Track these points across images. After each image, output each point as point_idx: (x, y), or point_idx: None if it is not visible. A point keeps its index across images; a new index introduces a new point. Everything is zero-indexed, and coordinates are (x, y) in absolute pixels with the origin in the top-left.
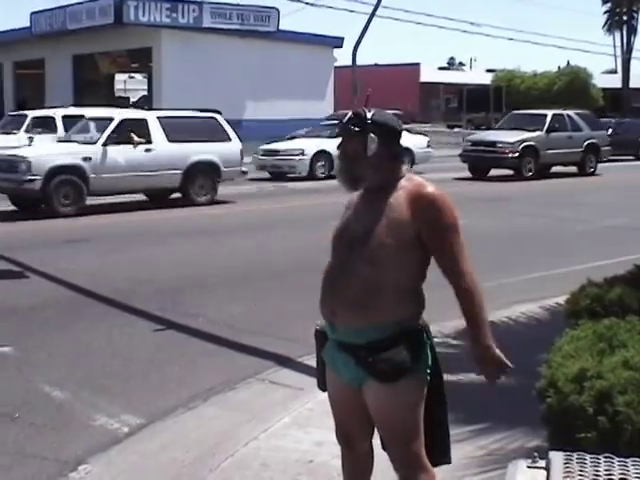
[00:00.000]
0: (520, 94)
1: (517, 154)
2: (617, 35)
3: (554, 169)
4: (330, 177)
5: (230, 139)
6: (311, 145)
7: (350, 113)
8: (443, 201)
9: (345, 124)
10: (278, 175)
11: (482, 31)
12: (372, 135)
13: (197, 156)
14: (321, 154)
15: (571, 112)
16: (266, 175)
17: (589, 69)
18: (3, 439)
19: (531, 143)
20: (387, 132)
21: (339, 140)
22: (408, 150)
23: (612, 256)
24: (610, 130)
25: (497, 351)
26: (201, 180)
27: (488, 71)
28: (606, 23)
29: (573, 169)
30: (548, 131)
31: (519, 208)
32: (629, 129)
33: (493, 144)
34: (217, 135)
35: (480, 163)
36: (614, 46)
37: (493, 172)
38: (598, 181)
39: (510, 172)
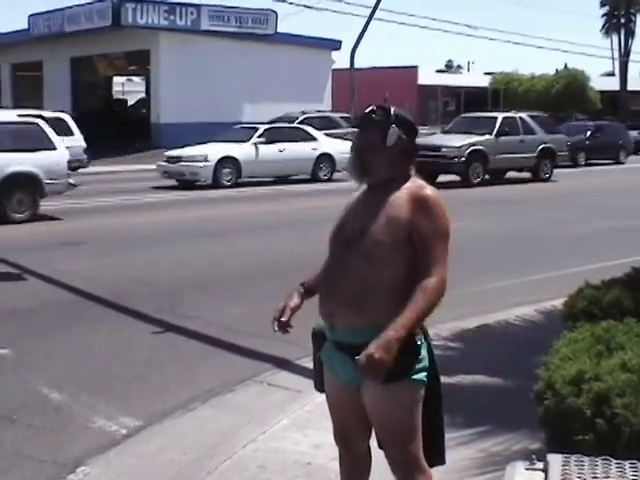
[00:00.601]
0: (518, 97)
1: (464, 159)
2: (615, 38)
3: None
4: (238, 185)
5: (55, 148)
6: (215, 150)
7: (373, 106)
8: (438, 205)
9: (368, 114)
10: (184, 183)
11: (479, 34)
12: (395, 127)
13: (12, 167)
14: (227, 160)
15: (524, 115)
16: (173, 183)
17: (587, 72)
18: (1, 441)
19: (479, 147)
20: (408, 127)
21: (357, 131)
22: (328, 156)
23: (610, 259)
24: (588, 133)
25: (392, 350)
26: (19, 195)
27: (486, 74)
28: (604, 26)
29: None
30: (498, 135)
31: (516, 210)
32: (609, 132)
33: (438, 148)
34: (39, 143)
35: (425, 168)
36: (612, 49)
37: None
38: (553, 188)
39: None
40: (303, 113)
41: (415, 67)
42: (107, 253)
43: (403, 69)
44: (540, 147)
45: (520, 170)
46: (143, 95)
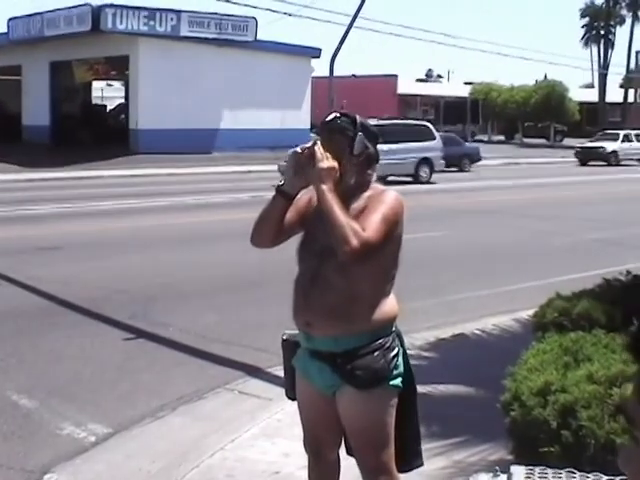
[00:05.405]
0: (497, 107)
1: None
2: (595, 49)
3: None
4: None
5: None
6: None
7: (336, 113)
8: (394, 197)
9: (333, 120)
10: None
11: (460, 43)
12: (361, 134)
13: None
14: None
15: None
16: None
17: (566, 83)
18: None
19: None
20: (372, 136)
21: (320, 138)
22: None
23: (587, 269)
24: None
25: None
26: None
27: (466, 84)
28: (584, 37)
29: None
30: None
31: (496, 221)
32: None
33: None
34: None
35: None
36: (591, 60)
37: None
38: None
39: None
40: None
41: (395, 76)
42: (82, 259)
43: (383, 78)
44: None
45: None
46: (122, 100)
